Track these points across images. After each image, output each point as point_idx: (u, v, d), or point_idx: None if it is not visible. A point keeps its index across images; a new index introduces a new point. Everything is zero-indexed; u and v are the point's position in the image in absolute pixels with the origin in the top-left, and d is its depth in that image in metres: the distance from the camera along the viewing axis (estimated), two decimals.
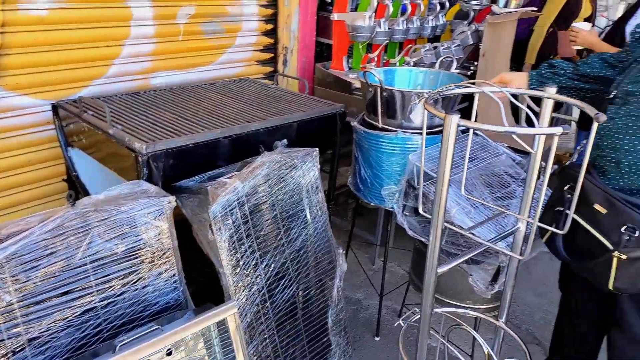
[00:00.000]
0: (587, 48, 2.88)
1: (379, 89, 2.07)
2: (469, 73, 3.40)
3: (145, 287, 1.48)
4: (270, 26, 2.90)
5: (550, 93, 1.30)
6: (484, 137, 2.27)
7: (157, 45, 2.45)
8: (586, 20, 3.67)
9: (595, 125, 1.06)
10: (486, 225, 1.80)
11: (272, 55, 3.01)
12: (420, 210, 1.42)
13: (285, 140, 2.05)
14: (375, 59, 2.76)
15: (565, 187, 1.61)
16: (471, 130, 1.22)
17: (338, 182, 2.99)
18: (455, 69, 3.46)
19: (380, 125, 2.18)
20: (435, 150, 2.04)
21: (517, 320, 2.70)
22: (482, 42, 3.04)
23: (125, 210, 1.41)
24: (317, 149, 1.95)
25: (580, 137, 3.11)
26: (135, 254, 1.45)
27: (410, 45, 2.89)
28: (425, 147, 2.14)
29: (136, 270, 1.45)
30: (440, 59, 2.82)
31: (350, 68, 3.22)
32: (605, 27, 3.17)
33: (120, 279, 1.42)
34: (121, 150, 1.73)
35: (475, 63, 3.69)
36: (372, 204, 2.33)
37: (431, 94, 1.24)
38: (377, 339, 2.53)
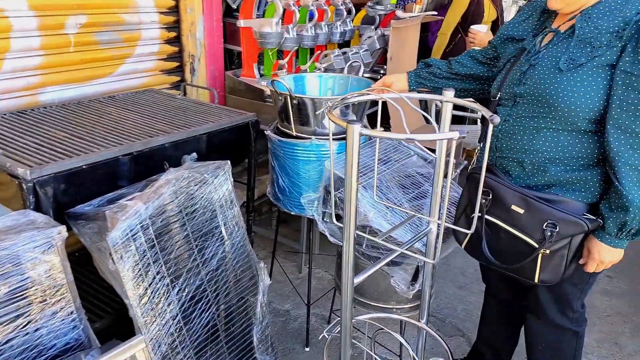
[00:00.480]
0: None
1: (288, 98, 2.02)
2: (378, 76, 3.47)
3: (37, 329, 1.31)
4: (173, 34, 2.76)
5: (448, 96, 1.32)
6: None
7: (45, 58, 2.23)
8: (493, 23, 3.91)
9: (491, 127, 1.09)
10: (403, 226, 1.82)
11: (178, 64, 2.86)
12: (334, 220, 1.39)
13: (194, 154, 1.94)
14: (286, 65, 2.72)
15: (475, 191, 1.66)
16: (377, 139, 1.20)
17: (260, 191, 2.93)
18: (365, 73, 3.52)
19: (294, 133, 2.14)
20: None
21: (441, 314, 2.77)
22: (388, 46, 3.11)
23: (7, 247, 1.23)
24: (228, 161, 1.86)
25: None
26: (23, 295, 1.27)
27: (319, 52, 2.89)
28: (337, 153, 2.15)
29: (25, 313, 1.28)
30: (349, 63, 2.85)
31: (262, 75, 3.15)
32: None
33: (5, 325, 1.24)
34: (2, 177, 1.53)
35: (385, 66, 3.80)
36: (292, 212, 2.28)
37: (334, 103, 1.21)
38: (307, 349, 2.48)
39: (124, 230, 1.37)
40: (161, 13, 2.66)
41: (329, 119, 1.19)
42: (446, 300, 2.89)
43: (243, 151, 2.29)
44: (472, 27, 3.03)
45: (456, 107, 1.55)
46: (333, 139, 2.13)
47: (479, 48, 3.11)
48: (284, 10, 2.78)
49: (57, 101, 2.27)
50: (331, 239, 2.04)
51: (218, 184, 1.78)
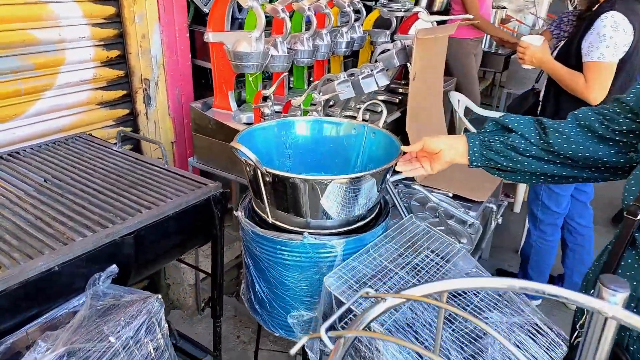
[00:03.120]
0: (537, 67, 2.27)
1: (259, 173, 1.26)
2: (397, 100, 2.70)
3: None
4: (115, 52, 1.99)
5: None
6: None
7: None
8: None
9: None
10: None
11: (126, 92, 2.10)
12: None
13: (112, 269, 1.20)
14: (272, 96, 1.96)
15: None
16: None
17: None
18: (379, 95, 2.74)
19: (270, 220, 1.39)
20: (361, 261, 1.28)
21: None
22: (411, 62, 2.33)
23: None
24: (158, 296, 1.12)
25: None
26: None
27: (314, 83, 2.10)
28: (344, 255, 1.40)
29: None
30: (364, 101, 2.07)
31: (242, 103, 2.38)
32: (555, 41, 2.58)
33: None
34: None
35: (403, 82, 3.01)
36: (276, 333, 1.53)
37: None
38: None
39: None
40: (94, 25, 1.88)
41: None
42: None
43: (201, 236, 1.55)
44: (522, 38, 2.24)
45: None
46: (339, 233, 1.37)
47: (527, 66, 2.36)
48: (270, 19, 2.00)
49: None
50: None
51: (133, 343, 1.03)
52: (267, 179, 1.27)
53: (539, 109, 2.30)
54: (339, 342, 0.51)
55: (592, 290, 0.74)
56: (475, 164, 1.19)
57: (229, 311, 2.49)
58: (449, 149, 1.21)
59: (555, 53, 2.22)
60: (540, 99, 2.33)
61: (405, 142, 2.27)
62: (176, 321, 2.42)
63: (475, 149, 1.18)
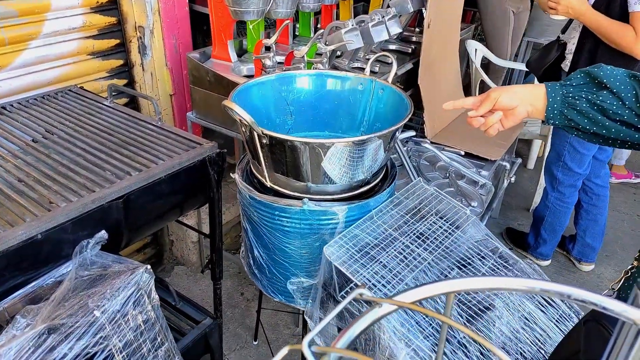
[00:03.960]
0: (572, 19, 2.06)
1: (255, 135, 1.17)
2: (409, 49, 2.53)
3: None
4: None
5: None
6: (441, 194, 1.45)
7: None
8: None
9: None
10: None
11: (119, 41, 1.97)
12: None
13: (101, 235, 1.14)
14: (274, 46, 1.81)
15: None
16: None
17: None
18: (391, 44, 2.57)
19: (268, 184, 1.31)
20: (364, 229, 1.21)
21: None
22: (426, 8, 2.15)
23: None
24: (147, 266, 1.05)
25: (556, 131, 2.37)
26: None
27: (320, 31, 1.94)
28: (346, 222, 1.32)
29: None
30: (374, 51, 1.92)
31: (244, 53, 2.24)
32: None
33: None
34: None
35: (417, 30, 2.82)
36: (275, 299, 1.49)
37: None
38: None
39: None
40: None
41: None
42: None
43: (197, 199, 1.47)
44: None
45: None
46: (341, 199, 1.29)
47: (558, 17, 2.15)
48: None
49: None
50: None
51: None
52: (264, 141, 1.18)
53: (569, 65, 2.11)
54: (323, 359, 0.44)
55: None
56: (552, 122, 1.02)
57: (233, 268, 2.47)
58: (525, 104, 1.02)
59: (592, 1, 1.98)
60: (568, 52, 2.13)
61: (418, 96, 2.13)
62: (180, 278, 2.42)
63: (555, 105, 1.00)
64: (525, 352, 1.22)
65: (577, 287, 0.51)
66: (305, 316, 1.33)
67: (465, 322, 1.19)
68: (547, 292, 0.50)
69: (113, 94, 1.65)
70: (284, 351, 0.48)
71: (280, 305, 2.19)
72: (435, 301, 1.22)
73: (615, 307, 0.48)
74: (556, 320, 1.29)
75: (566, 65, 2.14)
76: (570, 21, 2.15)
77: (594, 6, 1.91)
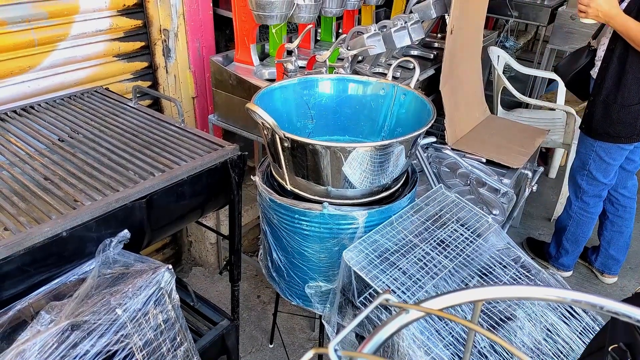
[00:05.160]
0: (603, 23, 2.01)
1: (277, 138, 1.17)
2: (431, 55, 2.51)
3: None
4: (132, 0, 1.88)
5: None
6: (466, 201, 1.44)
7: None
8: None
9: None
10: None
11: (144, 43, 2.00)
12: None
13: (124, 234, 1.15)
14: (296, 50, 1.82)
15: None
16: None
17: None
18: (413, 50, 2.56)
19: (289, 187, 1.31)
20: (384, 234, 1.20)
21: None
22: (449, 14, 2.14)
23: None
24: (169, 266, 1.06)
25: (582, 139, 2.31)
26: None
27: (342, 36, 1.93)
28: (366, 227, 1.31)
29: None
30: (395, 57, 1.91)
31: (267, 57, 2.26)
32: None
33: None
34: None
35: (439, 36, 2.81)
36: (293, 303, 1.49)
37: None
38: None
39: None
40: None
41: None
42: None
43: (217, 200, 1.48)
44: None
45: None
46: (362, 204, 1.28)
47: (589, 21, 2.10)
48: None
49: None
50: None
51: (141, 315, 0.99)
52: (286, 144, 1.18)
53: (597, 71, 2.06)
54: None
55: None
56: None
57: (250, 270, 2.48)
58: None
59: (624, 5, 1.94)
60: (597, 59, 2.09)
61: (439, 103, 2.12)
62: (198, 278, 2.43)
63: None
64: None
65: (609, 299, 0.50)
66: (323, 320, 1.33)
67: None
68: (578, 303, 0.49)
69: (137, 95, 1.67)
70: (309, 354, 0.48)
71: (297, 309, 2.19)
72: (457, 310, 1.20)
73: None
74: (579, 333, 1.26)
75: (595, 72, 2.10)
76: (602, 27, 2.11)
77: (625, 11, 1.87)
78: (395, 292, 1.14)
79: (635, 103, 1.97)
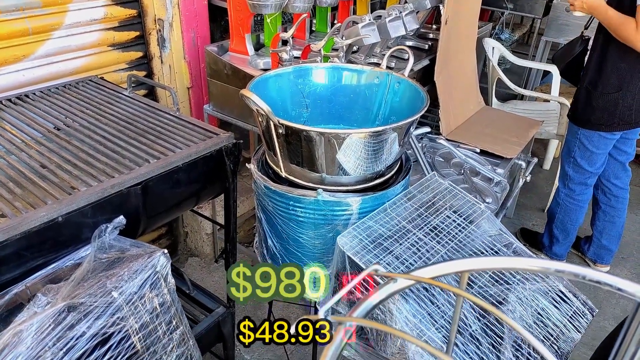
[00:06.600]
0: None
1: (272, 124, 1.18)
2: (426, 46, 2.52)
3: None
4: None
5: None
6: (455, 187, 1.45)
7: None
8: None
9: None
10: None
11: (139, 33, 2.00)
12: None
13: (120, 220, 1.16)
14: (291, 40, 1.83)
15: None
16: None
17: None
18: (407, 40, 2.57)
19: (283, 174, 1.32)
20: (378, 220, 1.21)
21: None
22: (443, 5, 2.15)
23: None
24: (164, 251, 1.07)
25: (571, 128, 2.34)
26: None
27: (337, 25, 1.94)
28: (360, 213, 1.32)
29: None
30: (390, 47, 1.92)
31: (262, 47, 2.26)
32: None
33: None
34: None
35: (434, 26, 2.81)
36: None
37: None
38: None
39: None
40: None
41: None
42: None
43: (213, 188, 1.49)
44: None
45: None
46: (356, 191, 1.30)
47: (578, 14, 2.13)
48: None
49: None
50: None
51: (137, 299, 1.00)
52: (280, 130, 1.19)
53: (586, 58, 2.12)
54: (339, 328, 0.45)
55: None
56: None
57: (246, 260, 2.49)
58: None
59: None
60: (589, 47, 2.14)
61: (434, 93, 2.13)
62: (194, 269, 2.44)
63: None
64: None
65: (594, 271, 0.52)
66: (318, 306, 1.34)
67: (478, 315, 1.19)
68: (562, 273, 0.51)
69: (132, 85, 1.68)
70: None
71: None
72: (449, 295, 1.22)
73: (629, 287, 0.48)
74: (570, 317, 1.29)
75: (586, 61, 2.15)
76: (592, 18, 2.14)
77: (607, 2, 1.91)
78: None
79: (614, 91, 2.01)
